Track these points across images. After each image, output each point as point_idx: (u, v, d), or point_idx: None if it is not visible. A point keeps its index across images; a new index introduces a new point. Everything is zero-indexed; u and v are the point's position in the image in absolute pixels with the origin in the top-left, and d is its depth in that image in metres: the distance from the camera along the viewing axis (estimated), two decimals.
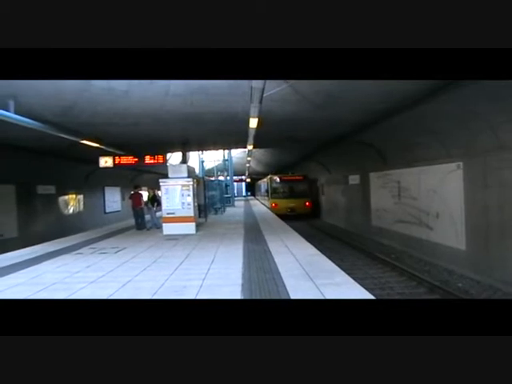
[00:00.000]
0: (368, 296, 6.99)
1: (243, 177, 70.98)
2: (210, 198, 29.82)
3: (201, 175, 35.35)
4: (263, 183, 51.43)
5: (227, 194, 42.28)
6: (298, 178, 40.81)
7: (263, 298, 7.23)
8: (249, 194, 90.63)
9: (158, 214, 21.63)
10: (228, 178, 45.34)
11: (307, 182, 40.26)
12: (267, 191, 43.69)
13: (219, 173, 47.76)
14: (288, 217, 36.05)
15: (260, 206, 42.46)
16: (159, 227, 20.14)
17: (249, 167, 51.78)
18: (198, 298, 7.43)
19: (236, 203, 45.23)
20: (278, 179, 41.56)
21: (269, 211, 32.54)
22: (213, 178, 41.27)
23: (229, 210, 35.54)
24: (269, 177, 43.23)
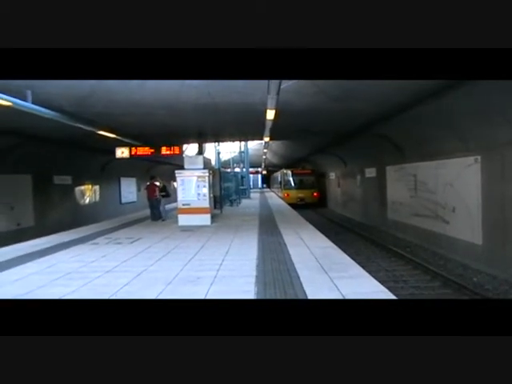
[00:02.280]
0: (381, 289, 6.97)
1: (259, 169, 70.74)
2: (225, 190, 30.21)
3: (217, 166, 35.62)
4: (278, 175, 57.22)
5: (243, 185, 44.12)
6: (307, 171, 46.80)
7: (276, 289, 7.23)
8: (264, 186, 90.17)
9: (168, 206, 22.09)
10: (244, 169, 47.45)
11: (315, 175, 46.08)
12: (280, 183, 50.14)
13: (235, 164, 49.46)
14: (298, 206, 40.04)
15: (276, 198, 44.17)
16: (164, 219, 20.72)
17: (265, 159, 54.08)
18: (213, 288, 7.45)
19: (251, 195, 46.57)
20: (289, 172, 47.30)
21: (284, 203, 34.52)
22: (229, 170, 43.78)
23: (244, 201, 36.29)
24: (282, 170, 50.29)
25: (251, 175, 65.06)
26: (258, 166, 68.66)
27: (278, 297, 6.82)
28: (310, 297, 6.75)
